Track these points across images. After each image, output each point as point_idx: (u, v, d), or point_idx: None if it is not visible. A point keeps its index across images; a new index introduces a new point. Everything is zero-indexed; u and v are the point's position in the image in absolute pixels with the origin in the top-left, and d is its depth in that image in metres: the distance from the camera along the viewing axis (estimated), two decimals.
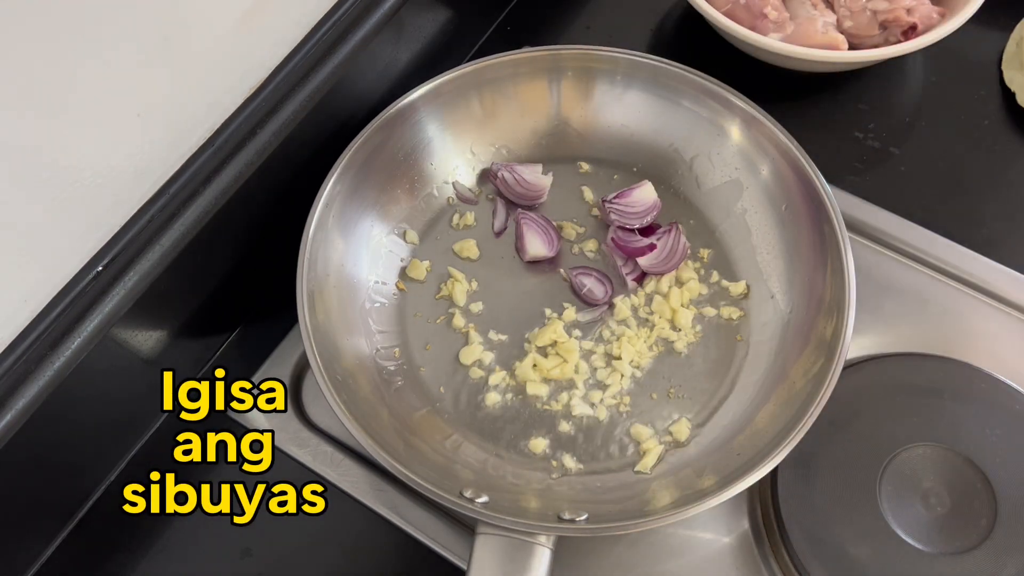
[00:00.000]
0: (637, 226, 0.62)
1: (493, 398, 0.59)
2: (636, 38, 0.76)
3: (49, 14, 0.42)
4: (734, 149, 0.63)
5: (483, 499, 0.51)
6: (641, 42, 0.76)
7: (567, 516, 0.50)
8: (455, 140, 0.66)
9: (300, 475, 0.58)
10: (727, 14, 0.68)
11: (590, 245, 0.64)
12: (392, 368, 0.59)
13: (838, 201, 0.57)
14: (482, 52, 0.76)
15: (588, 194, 0.66)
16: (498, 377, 0.59)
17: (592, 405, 0.58)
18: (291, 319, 0.55)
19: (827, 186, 0.57)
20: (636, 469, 0.56)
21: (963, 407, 0.56)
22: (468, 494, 0.51)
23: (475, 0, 0.75)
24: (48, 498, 0.56)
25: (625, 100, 0.66)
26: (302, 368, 0.62)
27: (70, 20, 0.43)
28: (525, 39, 0.75)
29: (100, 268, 0.51)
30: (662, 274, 0.61)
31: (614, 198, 0.62)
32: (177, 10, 0.49)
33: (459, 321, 0.61)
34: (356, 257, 0.61)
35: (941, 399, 0.57)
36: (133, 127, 0.50)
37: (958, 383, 0.57)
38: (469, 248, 0.64)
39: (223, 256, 0.60)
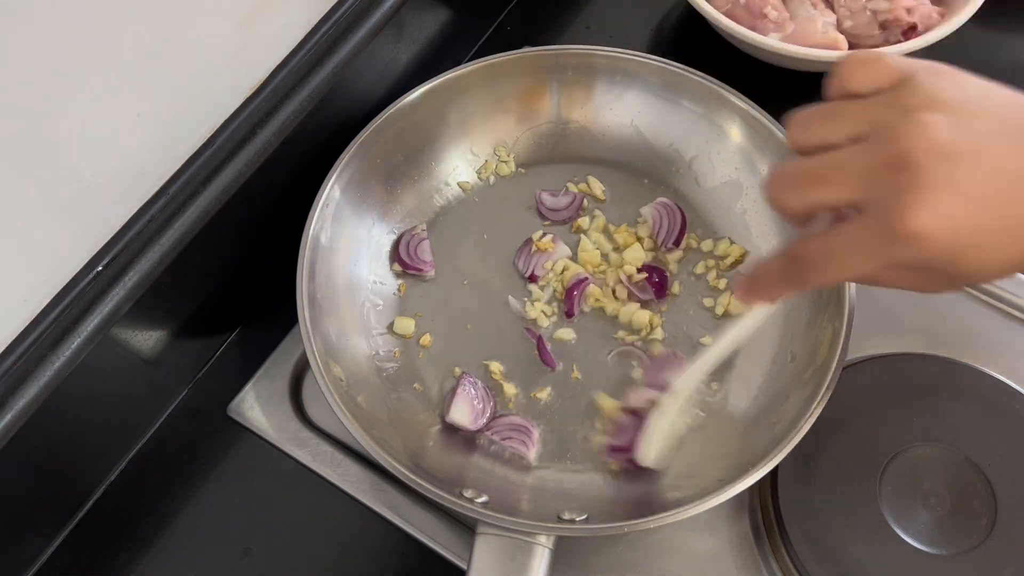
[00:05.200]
0: None
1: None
2: (636, 38, 0.76)
3: (49, 14, 0.42)
4: (734, 149, 0.63)
5: (483, 499, 0.51)
6: (641, 42, 0.76)
7: (567, 516, 0.50)
8: (455, 140, 0.66)
9: (300, 475, 0.58)
10: (727, 14, 0.68)
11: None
12: (392, 369, 0.59)
13: None
14: (482, 52, 0.76)
15: (594, 186, 0.66)
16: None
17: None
18: (291, 319, 0.55)
19: None
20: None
21: (963, 407, 0.56)
22: (468, 494, 0.51)
23: (475, 0, 0.75)
24: (48, 498, 0.56)
25: (625, 100, 0.66)
26: (302, 368, 0.62)
27: (70, 20, 0.43)
28: (525, 39, 0.75)
29: (100, 268, 0.51)
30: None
31: None
32: (177, 10, 0.49)
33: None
34: (356, 257, 0.61)
35: (941, 399, 0.57)
36: (133, 127, 0.50)
37: (958, 383, 0.57)
38: None
39: (223, 256, 0.60)
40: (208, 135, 0.55)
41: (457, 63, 0.64)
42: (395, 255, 0.63)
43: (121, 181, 0.51)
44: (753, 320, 0.48)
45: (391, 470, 0.50)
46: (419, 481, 0.49)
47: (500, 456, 0.57)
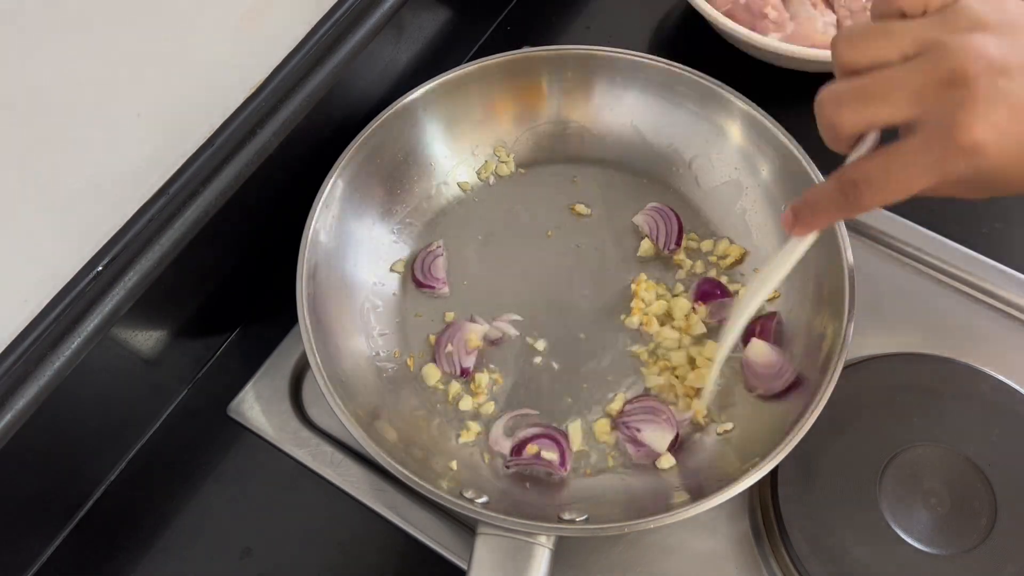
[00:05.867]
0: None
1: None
2: (636, 38, 0.76)
3: (49, 14, 0.42)
4: (734, 149, 0.63)
5: (483, 499, 0.51)
6: (641, 42, 0.76)
7: (567, 516, 0.50)
8: (455, 140, 0.66)
9: (300, 475, 0.58)
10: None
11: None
12: (392, 369, 0.59)
13: None
14: (482, 52, 0.76)
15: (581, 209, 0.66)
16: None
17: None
18: (291, 319, 0.55)
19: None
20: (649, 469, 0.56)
21: (963, 407, 0.56)
22: (468, 494, 0.51)
23: (475, 0, 0.75)
24: (48, 498, 0.56)
25: (625, 100, 0.66)
26: (302, 368, 0.62)
27: (70, 20, 0.43)
28: (525, 39, 0.75)
29: (100, 268, 0.51)
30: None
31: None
32: (177, 10, 0.49)
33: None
34: (356, 258, 0.61)
35: (941, 399, 0.57)
36: (133, 127, 0.50)
37: (958, 383, 0.57)
38: None
39: (223, 256, 0.60)
40: (208, 135, 0.55)
41: (457, 63, 0.64)
42: (409, 271, 0.63)
43: (121, 181, 0.51)
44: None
45: (391, 470, 0.50)
46: (419, 481, 0.49)
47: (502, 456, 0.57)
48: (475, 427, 0.57)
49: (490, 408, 0.58)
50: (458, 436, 0.57)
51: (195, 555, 0.57)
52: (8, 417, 0.47)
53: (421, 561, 0.56)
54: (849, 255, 0.55)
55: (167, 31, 0.49)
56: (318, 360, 0.53)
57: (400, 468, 0.50)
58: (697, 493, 0.49)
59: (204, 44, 0.52)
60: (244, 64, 0.56)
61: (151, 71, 0.49)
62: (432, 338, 0.61)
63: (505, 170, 0.67)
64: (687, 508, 0.48)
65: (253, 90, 0.57)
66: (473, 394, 0.58)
